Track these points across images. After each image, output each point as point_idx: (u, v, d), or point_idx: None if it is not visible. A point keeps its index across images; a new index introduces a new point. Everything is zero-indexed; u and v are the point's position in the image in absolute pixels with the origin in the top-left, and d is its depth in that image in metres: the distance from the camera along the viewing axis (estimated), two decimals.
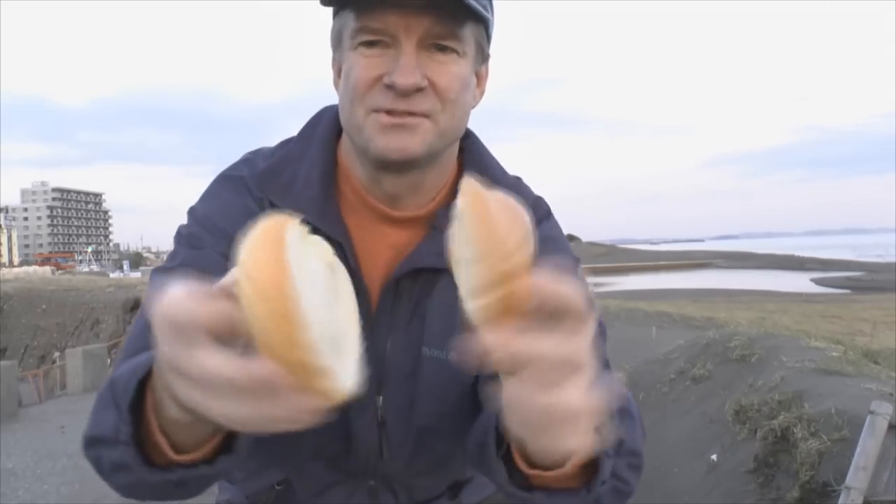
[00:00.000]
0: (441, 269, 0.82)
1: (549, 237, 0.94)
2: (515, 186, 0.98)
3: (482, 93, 0.92)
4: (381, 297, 0.90)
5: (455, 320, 0.84)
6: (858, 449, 3.09)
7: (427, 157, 0.85)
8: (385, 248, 0.91)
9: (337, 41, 0.88)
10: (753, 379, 4.91)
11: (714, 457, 4.42)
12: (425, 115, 0.82)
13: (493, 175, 0.94)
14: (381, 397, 0.90)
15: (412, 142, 0.82)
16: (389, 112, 0.81)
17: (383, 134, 0.82)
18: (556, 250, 0.93)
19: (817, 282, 62.10)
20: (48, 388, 15.73)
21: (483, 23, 0.85)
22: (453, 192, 0.82)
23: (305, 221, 0.83)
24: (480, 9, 0.81)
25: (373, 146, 0.83)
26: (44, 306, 26.75)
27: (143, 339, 0.70)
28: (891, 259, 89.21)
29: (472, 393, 0.89)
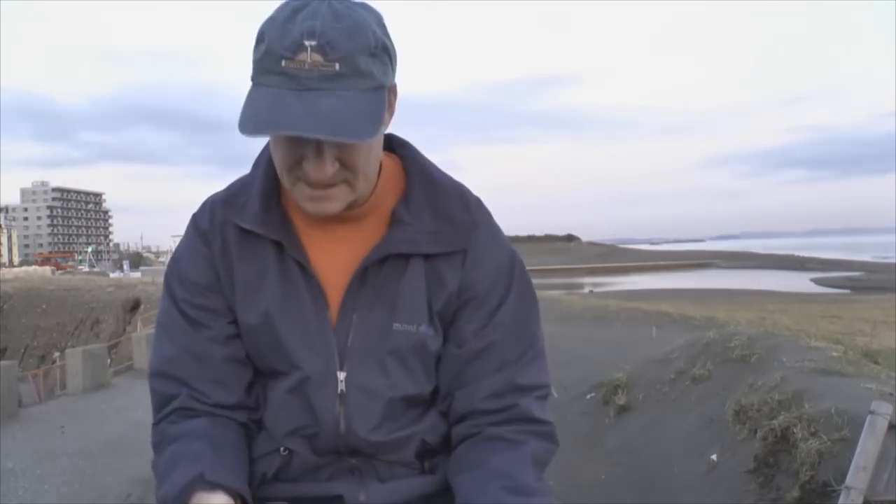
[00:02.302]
0: (409, 254, 1.00)
1: (489, 235, 1.06)
2: (456, 186, 1.08)
3: (392, 113, 0.98)
4: (350, 282, 1.01)
5: (424, 298, 1.00)
6: (858, 449, 3.08)
7: (348, 207, 0.98)
8: (334, 241, 1.03)
9: None
10: (753, 379, 4.91)
11: (714, 457, 4.41)
12: (341, 184, 0.94)
13: (434, 176, 1.06)
14: (343, 373, 1.00)
15: (333, 206, 0.95)
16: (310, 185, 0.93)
17: (309, 202, 0.95)
18: (496, 245, 1.06)
19: (817, 282, 62.06)
20: (48, 388, 15.72)
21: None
22: (403, 190, 1.03)
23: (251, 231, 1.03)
24: (376, 114, 0.86)
25: (302, 207, 0.97)
26: (44, 306, 26.75)
27: (176, 331, 1.02)
28: (891, 259, 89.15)
29: (438, 361, 1.04)
